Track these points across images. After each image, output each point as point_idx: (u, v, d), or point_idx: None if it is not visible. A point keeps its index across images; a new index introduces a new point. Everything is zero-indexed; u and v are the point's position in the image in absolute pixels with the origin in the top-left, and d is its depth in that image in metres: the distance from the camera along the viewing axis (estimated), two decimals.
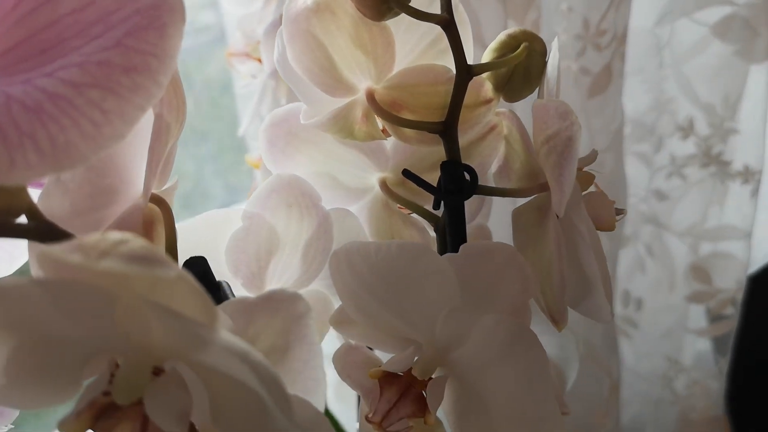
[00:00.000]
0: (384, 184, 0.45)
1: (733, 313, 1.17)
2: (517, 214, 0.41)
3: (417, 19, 0.37)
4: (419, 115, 0.39)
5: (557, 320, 0.39)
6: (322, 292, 0.44)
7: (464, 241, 0.40)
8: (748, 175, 1.06)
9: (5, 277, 0.25)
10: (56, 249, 0.21)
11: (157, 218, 0.35)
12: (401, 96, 0.39)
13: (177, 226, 0.40)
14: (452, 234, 0.41)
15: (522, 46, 0.39)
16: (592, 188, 0.40)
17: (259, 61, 0.77)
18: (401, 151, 0.44)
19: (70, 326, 0.24)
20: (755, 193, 1.07)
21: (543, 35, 0.94)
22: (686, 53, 1.05)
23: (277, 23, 0.68)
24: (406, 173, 0.40)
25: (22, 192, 0.26)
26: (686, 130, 1.07)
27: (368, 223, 0.46)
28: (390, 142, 0.44)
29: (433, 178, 0.41)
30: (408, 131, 0.39)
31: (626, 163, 1.05)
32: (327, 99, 0.40)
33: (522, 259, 0.37)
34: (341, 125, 0.40)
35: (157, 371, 0.26)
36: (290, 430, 0.24)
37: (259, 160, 0.75)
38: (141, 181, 0.33)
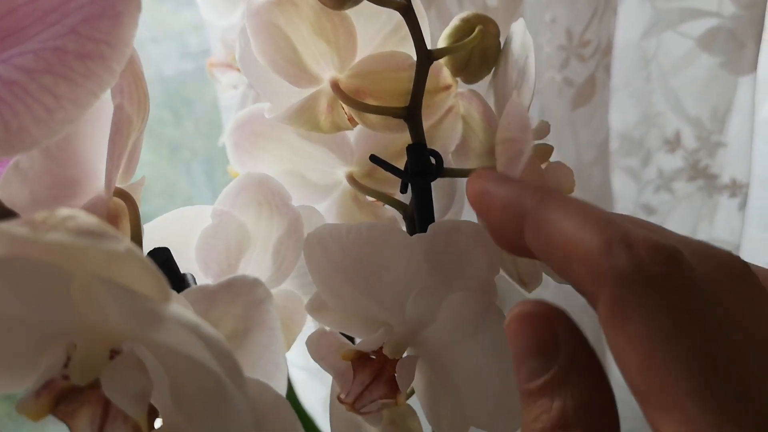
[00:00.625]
0: (351, 178, 0.45)
1: None
2: None
3: (376, 4, 0.37)
4: (383, 102, 0.39)
5: (527, 282, 0.40)
6: (293, 292, 0.44)
7: (432, 221, 0.41)
8: (736, 189, 1.06)
9: None
10: (4, 224, 0.21)
11: (122, 212, 0.35)
12: (365, 84, 0.39)
13: (148, 224, 0.40)
14: (420, 216, 0.41)
15: (477, 29, 0.39)
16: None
17: (239, 70, 0.78)
18: (365, 142, 0.44)
19: (25, 307, 0.25)
20: (743, 206, 1.07)
21: None
22: (673, 66, 1.05)
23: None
24: (373, 158, 0.41)
25: None
26: (673, 143, 1.08)
27: (338, 217, 0.46)
28: (353, 135, 0.44)
29: (398, 165, 0.42)
30: (374, 117, 0.39)
31: (614, 177, 1.06)
32: (291, 93, 0.40)
33: (488, 236, 0.37)
34: (307, 117, 0.40)
35: (115, 353, 0.26)
36: (246, 407, 0.24)
37: None
38: (98, 172, 0.33)
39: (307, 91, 0.40)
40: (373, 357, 0.38)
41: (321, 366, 0.39)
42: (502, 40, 0.42)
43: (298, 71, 0.39)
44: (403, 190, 0.42)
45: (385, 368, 0.38)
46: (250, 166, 0.45)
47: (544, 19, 0.90)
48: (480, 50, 0.40)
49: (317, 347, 0.40)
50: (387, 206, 0.45)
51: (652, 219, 1.14)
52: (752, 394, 0.24)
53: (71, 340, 0.26)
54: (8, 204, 0.28)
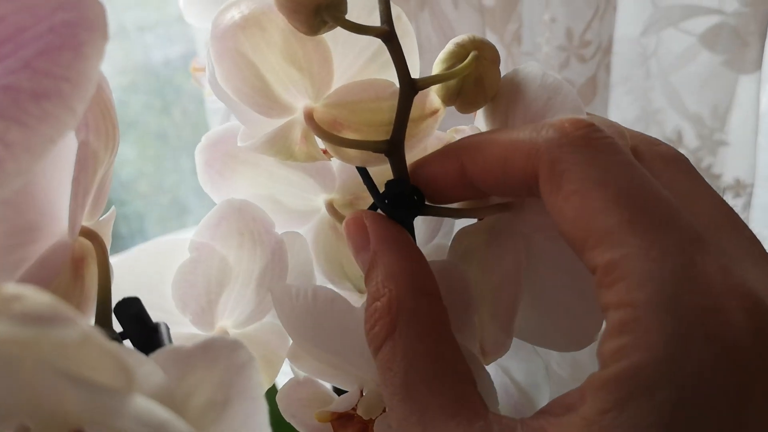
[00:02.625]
0: (331, 206, 0.42)
1: None
2: (460, 237, 0.39)
3: (355, 33, 0.34)
4: (362, 134, 0.36)
5: (489, 352, 0.37)
6: (276, 324, 0.41)
7: None
8: (740, 189, 1.03)
9: None
10: None
11: (88, 254, 0.32)
12: (342, 114, 0.36)
13: (118, 258, 0.37)
14: None
15: (470, 56, 0.36)
16: None
17: None
18: (348, 171, 0.41)
19: None
20: (747, 206, 1.05)
21: (525, 46, 0.92)
22: (673, 63, 1.02)
23: None
24: (362, 171, 0.38)
25: None
26: (674, 142, 1.05)
27: (315, 245, 0.44)
28: (336, 163, 0.41)
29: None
30: (351, 151, 0.36)
31: None
32: (264, 120, 0.37)
33: (462, 275, 0.36)
34: (279, 147, 0.37)
35: None
36: None
37: None
38: (60, 213, 0.30)
39: (279, 120, 0.37)
40: (355, 414, 0.36)
41: (292, 423, 0.37)
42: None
43: (267, 101, 0.36)
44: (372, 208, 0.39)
45: (369, 427, 0.35)
46: (221, 188, 0.42)
47: (543, 18, 0.87)
48: (475, 77, 0.36)
49: (288, 402, 0.38)
50: None
51: None
52: (672, 222, 0.27)
53: (23, 421, 0.23)
54: None
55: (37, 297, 0.19)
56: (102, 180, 0.31)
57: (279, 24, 0.34)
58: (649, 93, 1.06)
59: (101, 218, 0.33)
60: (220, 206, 0.38)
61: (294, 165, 0.40)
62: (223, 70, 0.35)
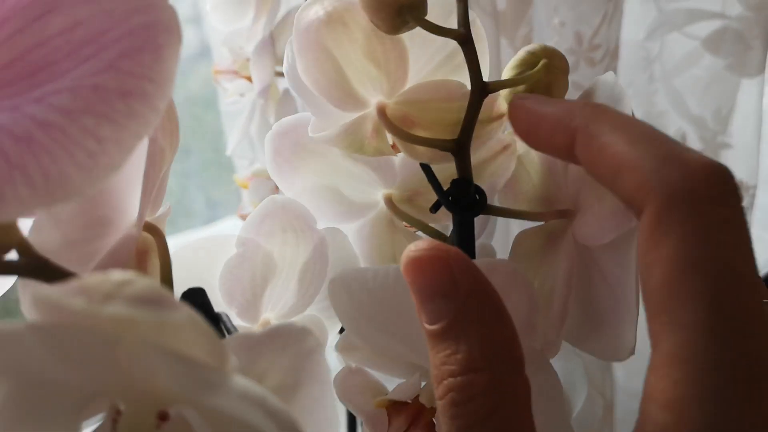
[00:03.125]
0: (390, 201, 0.43)
1: None
2: (520, 238, 0.40)
3: (434, 34, 0.35)
4: (431, 132, 0.37)
5: (544, 351, 0.38)
6: (317, 317, 0.43)
7: (473, 256, 0.39)
8: (743, 190, 1.05)
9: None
10: (56, 292, 0.19)
11: (150, 247, 0.33)
12: (413, 112, 0.37)
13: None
14: (460, 243, 0.39)
15: (541, 63, 0.37)
16: None
17: (249, 79, 0.75)
18: (410, 167, 0.42)
19: (67, 371, 0.22)
20: (750, 207, 1.07)
21: None
22: (677, 67, 1.04)
23: (268, 41, 0.66)
24: (425, 167, 0.39)
25: (12, 226, 0.25)
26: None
27: (370, 239, 0.45)
28: (399, 158, 0.42)
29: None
30: (419, 148, 0.37)
31: None
32: (337, 112, 0.38)
33: (525, 278, 0.35)
34: (351, 140, 0.38)
35: (163, 415, 0.24)
36: None
37: (247, 180, 0.73)
38: (134, 209, 0.31)
39: (352, 114, 0.38)
40: (409, 401, 0.37)
41: (348, 407, 0.38)
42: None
43: (343, 94, 0.37)
44: (433, 211, 0.40)
45: (423, 413, 0.36)
46: (287, 176, 0.44)
47: (552, 22, 0.89)
48: (544, 85, 0.37)
49: (344, 389, 0.38)
50: (420, 234, 0.43)
51: None
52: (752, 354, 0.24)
53: (115, 401, 0.24)
54: (39, 249, 0.25)
55: (143, 282, 0.20)
56: (162, 177, 0.32)
57: (360, 21, 0.36)
58: (653, 96, 1.08)
59: (158, 214, 0.35)
60: (265, 204, 0.40)
61: (358, 158, 0.41)
62: (304, 62, 0.36)
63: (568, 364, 0.48)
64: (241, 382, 0.21)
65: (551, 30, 0.88)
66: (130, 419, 0.23)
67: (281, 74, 0.68)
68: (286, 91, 0.69)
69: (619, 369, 1.23)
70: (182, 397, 0.23)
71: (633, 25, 1.04)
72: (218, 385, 0.21)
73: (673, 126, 1.07)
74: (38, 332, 0.21)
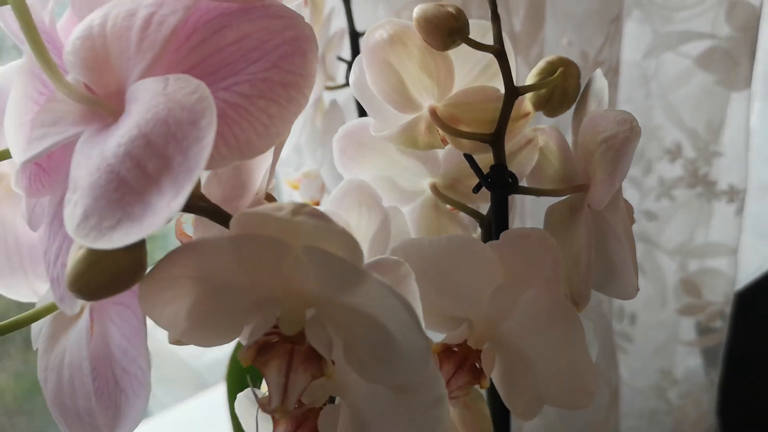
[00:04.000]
0: (435, 188, 0.53)
1: (721, 325, 1.25)
2: (550, 212, 0.49)
3: (476, 49, 0.45)
4: (473, 128, 0.47)
5: (579, 303, 0.47)
6: None
7: (506, 229, 0.48)
8: (733, 194, 1.14)
9: (207, 237, 0.32)
10: (261, 209, 0.29)
11: None
12: (458, 112, 0.47)
13: None
14: (497, 224, 0.49)
15: (559, 71, 0.47)
16: None
17: None
18: (451, 159, 0.52)
19: (246, 277, 0.32)
20: (740, 211, 1.16)
21: None
22: (672, 83, 1.13)
23: (319, 59, 0.76)
24: (468, 157, 0.48)
25: (199, 183, 0.34)
26: (674, 153, 1.16)
27: (419, 221, 0.54)
28: (441, 153, 0.52)
29: (473, 182, 0.50)
30: (464, 141, 0.47)
31: None
32: (394, 115, 0.48)
33: (553, 241, 0.44)
34: (407, 137, 0.48)
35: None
36: (418, 355, 0.32)
37: (297, 181, 0.83)
38: (259, 180, 0.41)
39: (409, 115, 0.48)
40: (456, 350, 0.45)
41: None
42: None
43: (403, 100, 0.47)
44: (475, 191, 0.49)
45: (468, 358, 0.44)
46: (352, 169, 0.53)
47: (561, 42, 0.98)
48: (561, 89, 0.47)
49: None
50: (462, 214, 0.53)
51: (653, 225, 1.23)
52: None
53: (276, 304, 0.33)
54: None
55: (311, 207, 0.30)
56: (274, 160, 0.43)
57: (416, 41, 0.45)
58: (650, 111, 1.17)
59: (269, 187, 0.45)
60: (344, 184, 0.49)
61: (410, 153, 0.51)
62: (372, 75, 0.46)
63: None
64: (379, 279, 0.30)
65: (560, 49, 0.98)
66: (288, 313, 0.33)
67: (329, 88, 0.78)
68: (333, 102, 0.78)
69: (621, 365, 1.32)
70: (325, 296, 0.32)
71: (631, 46, 1.13)
72: (362, 275, 0.30)
73: (669, 137, 1.16)
74: (235, 242, 0.30)
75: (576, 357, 0.44)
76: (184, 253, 0.31)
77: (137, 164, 0.29)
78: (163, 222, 0.27)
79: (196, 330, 0.33)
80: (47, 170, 0.36)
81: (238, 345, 0.82)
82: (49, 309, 0.40)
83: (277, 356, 0.33)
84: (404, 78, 0.46)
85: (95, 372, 0.38)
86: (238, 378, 0.84)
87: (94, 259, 0.29)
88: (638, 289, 0.46)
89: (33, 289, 0.52)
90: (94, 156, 0.30)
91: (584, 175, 0.46)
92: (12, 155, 0.36)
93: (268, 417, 0.39)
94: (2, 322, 0.41)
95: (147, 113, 0.30)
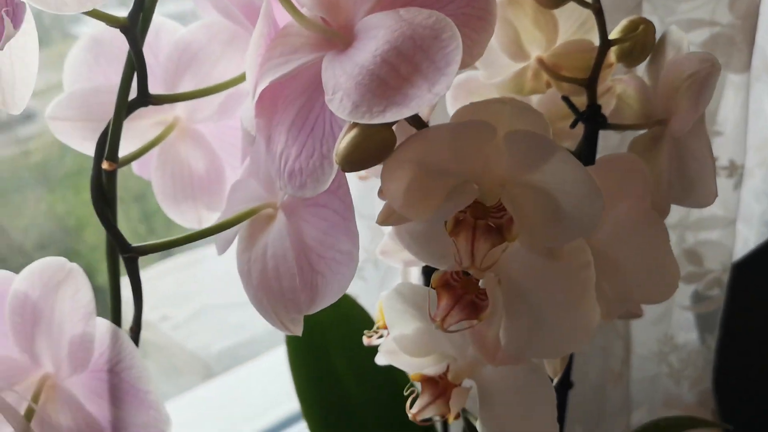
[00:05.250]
0: None
1: (718, 293, 1.36)
2: (634, 143, 0.59)
3: (582, 7, 0.55)
4: (572, 74, 0.57)
5: (661, 215, 0.57)
6: None
7: (595, 157, 0.59)
8: (733, 170, 1.25)
9: (431, 127, 0.42)
10: (477, 102, 0.40)
11: None
12: (560, 61, 0.58)
13: None
14: (587, 155, 0.59)
15: (641, 27, 0.57)
16: None
17: None
18: (545, 105, 0.62)
19: (454, 161, 0.42)
20: (738, 185, 1.27)
21: None
22: None
23: None
24: (564, 98, 0.58)
25: None
26: None
27: None
28: (534, 100, 0.63)
29: (563, 125, 0.60)
30: (564, 84, 0.57)
31: None
32: (500, 66, 0.59)
33: (641, 163, 0.54)
34: (516, 83, 0.59)
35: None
36: (593, 219, 0.41)
37: None
38: None
39: (516, 65, 0.58)
40: (457, 285, 0.46)
41: None
42: None
43: (518, 50, 0.58)
44: (572, 127, 0.60)
45: (467, 293, 0.46)
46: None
47: None
48: (641, 43, 0.57)
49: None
50: None
51: None
52: None
53: (473, 184, 0.43)
54: None
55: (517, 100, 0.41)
56: None
57: (529, 1, 0.56)
58: None
59: None
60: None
61: None
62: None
63: None
64: (568, 156, 0.40)
65: None
66: (485, 190, 0.43)
67: None
68: None
69: (633, 337, 1.41)
70: (513, 176, 0.42)
71: None
72: (554, 147, 0.39)
73: None
74: (453, 128, 0.40)
75: (661, 257, 0.54)
76: (414, 141, 0.41)
77: (392, 68, 0.39)
78: (427, 104, 0.37)
79: (409, 204, 0.43)
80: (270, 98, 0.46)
81: None
82: (241, 218, 0.50)
83: (465, 230, 0.43)
84: (519, 32, 0.57)
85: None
86: (298, 340, 0.92)
87: (358, 142, 0.39)
88: (716, 195, 0.56)
89: (199, 216, 0.62)
90: (349, 67, 0.40)
91: (665, 111, 0.57)
92: (248, 84, 0.45)
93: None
94: (210, 227, 0.51)
95: (392, 33, 0.40)
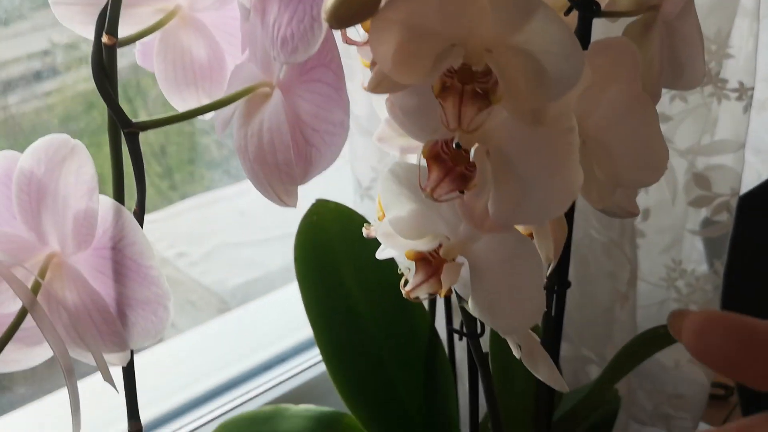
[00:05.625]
0: None
1: (727, 218, 1.37)
2: (628, 28, 0.60)
3: None
4: None
5: (653, 99, 0.58)
6: None
7: (589, 42, 0.60)
8: (742, 92, 1.25)
9: None
10: None
11: None
12: None
13: None
14: (583, 41, 0.60)
15: None
16: None
17: None
18: None
19: (441, 23, 0.43)
20: (748, 108, 1.27)
21: None
22: None
23: None
24: None
25: None
26: None
27: None
28: None
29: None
30: None
31: None
32: None
33: (633, 46, 0.55)
34: None
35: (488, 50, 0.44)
36: (573, 78, 0.42)
37: None
38: None
39: None
40: (447, 158, 0.48)
41: None
42: None
43: None
44: (566, 14, 0.60)
45: (457, 165, 0.47)
46: None
47: None
48: None
49: None
50: None
51: (667, 126, 1.33)
52: None
53: (461, 47, 0.44)
54: None
55: None
56: None
57: None
58: None
59: None
60: None
61: None
62: None
63: None
64: (549, 15, 0.41)
65: None
66: (469, 52, 0.44)
67: None
68: None
69: (641, 263, 1.43)
70: (497, 38, 0.43)
71: None
72: (537, 4, 0.41)
73: None
74: None
75: (651, 139, 0.56)
76: (400, 1, 0.42)
77: None
78: None
79: (398, 67, 0.44)
80: None
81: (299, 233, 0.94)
82: (238, 95, 0.52)
83: (452, 95, 0.44)
84: None
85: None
86: (307, 258, 0.95)
87: None
88: (705, 75, 0.57)
89: (200, 103, 0.63)
90: None
91: None
92: None
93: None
94: (207, 104, 0.53)
95: None
